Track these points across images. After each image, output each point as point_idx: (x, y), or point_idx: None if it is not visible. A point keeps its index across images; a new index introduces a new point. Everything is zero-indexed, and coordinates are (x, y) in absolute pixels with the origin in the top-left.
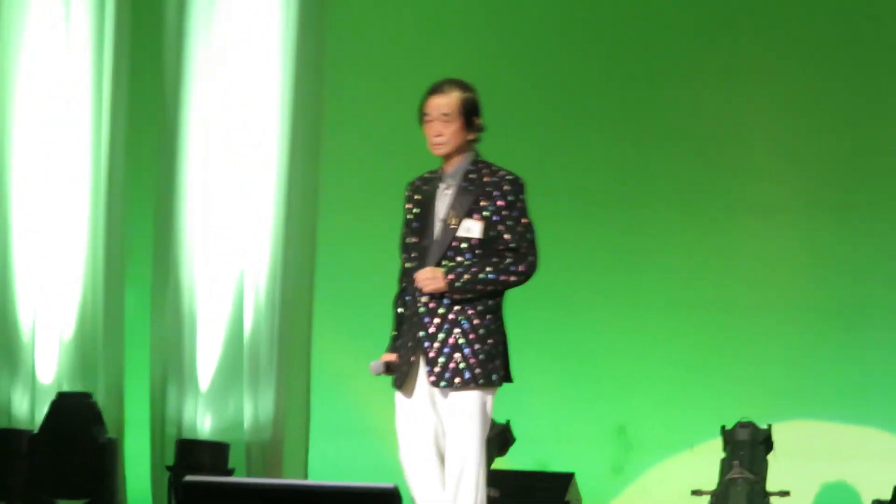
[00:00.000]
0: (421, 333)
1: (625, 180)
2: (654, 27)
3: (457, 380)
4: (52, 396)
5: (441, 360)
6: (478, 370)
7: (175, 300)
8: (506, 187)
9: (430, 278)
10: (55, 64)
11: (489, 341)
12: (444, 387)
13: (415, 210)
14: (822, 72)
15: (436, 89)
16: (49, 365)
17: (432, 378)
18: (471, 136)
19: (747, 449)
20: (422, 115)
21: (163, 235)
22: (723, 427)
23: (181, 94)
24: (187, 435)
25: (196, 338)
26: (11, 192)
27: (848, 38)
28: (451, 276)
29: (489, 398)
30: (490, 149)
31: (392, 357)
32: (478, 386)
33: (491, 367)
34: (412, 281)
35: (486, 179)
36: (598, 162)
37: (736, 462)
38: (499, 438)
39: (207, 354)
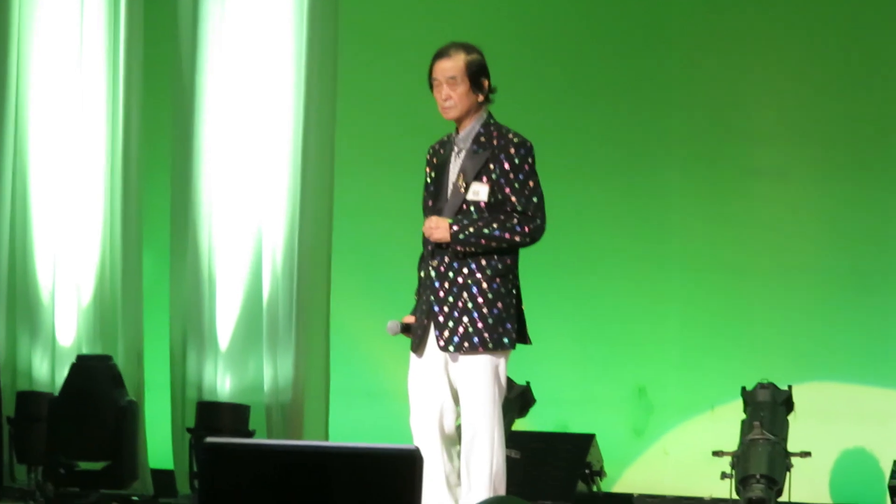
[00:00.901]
0: (431, 297)
1: (642, 147)
2: None
3: (465, 344)
4: (72, 359)
5: (450, 324)
6: (486, 334)
7: (194, 263)
8: (512, 150)
9: (435, 227)
10: (71, 35)
11: (499, 305)
12: (454, 351)
13: (432, 174)
14: (836, 35)
15: (441, 53)
16: (69, 328)
17: (441, 342)
18: (480, 98)
19: (768, 410)
20: (431, 80)
21: (180, 198)
22: (743, 388)
23: (196, 58)
24: (207, 397)
25: (215, 300)
26: (30, 157)
27: (857, 5)
28: (455, 227)
29: (501, 361)
30: (506, 119)
31: (412, 319)
32: (487, 350)
33: (501, 331)
34: (426, 244)
35: (495, 143)
36: (615, 129)
37: (756, 423)
38: (519, 400)
39: (226, 317)
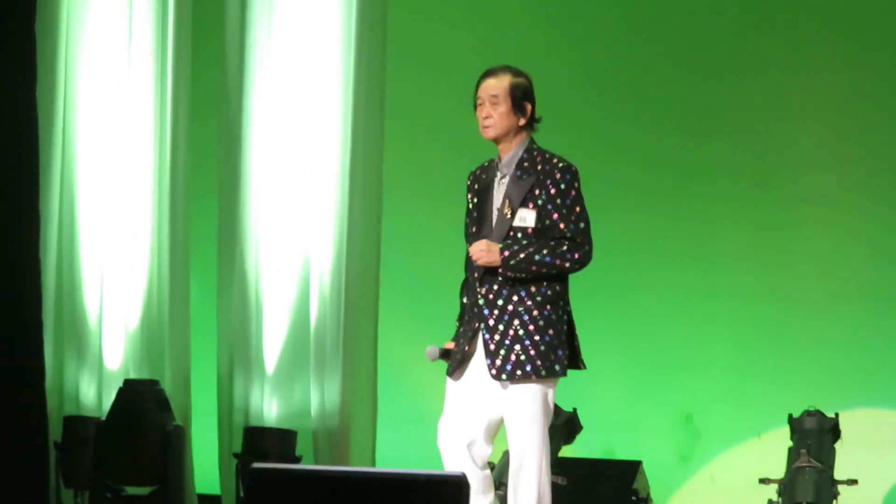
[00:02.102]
0: (480, 325)
1: (690, 174)
2: (710, 21)
3: (518, 372)
4: (119, 384)
5: (502, 352)
6: (538, 362)
7: (241, 288)
8: (558, 175)
9: (486, 251)
10: (119, 52)
11: (550, 332)
12: (506, 380)
13: (474, 199)
14: (879, 61)
15: (489, 73)
16: (116, 352)
17: (493, 371)
18: (521, 122)
19: (815, 437)
20: (475, 100)
21: (227, 223)
22: (790, 415)
23: (244, 84)
24: (254, 422)
25: (262, 325)
26: (78, 182)
27: None
28: (506, 253)
29: (550, 389)
30: (555, 145)
31: (452, 345)
32: (539, 378)
33: (554, 358)
34: (473, 271)
35: (539, 168)
36: (663, 156)
37: (803, 450)
38: (566, 426)
39: (274, 342)
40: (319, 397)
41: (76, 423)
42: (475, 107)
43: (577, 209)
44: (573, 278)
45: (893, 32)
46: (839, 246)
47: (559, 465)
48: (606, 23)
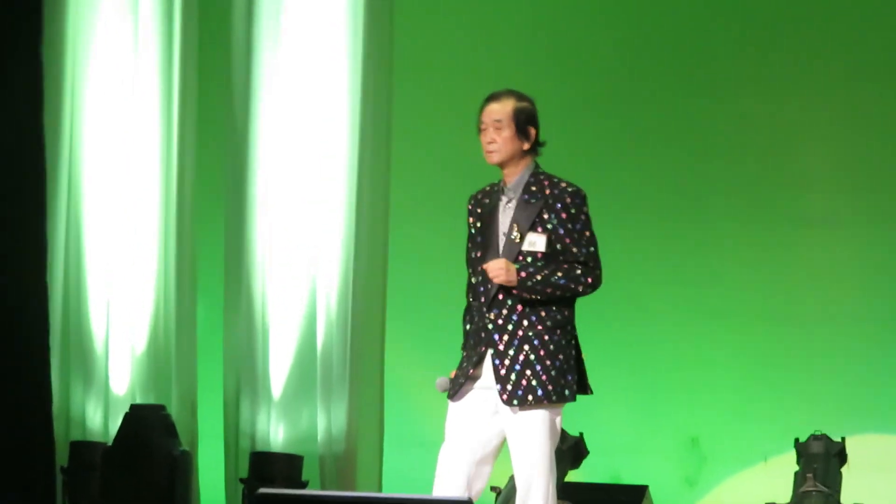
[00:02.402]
0: (488, 350)
1: (693, 194)
2: (714, 41)
3: (529, 397)
4: (125, 408)
5: (513, 377)
6: (550, 387)
7: (247, 312)
8: (568, 199)
9: (504, 269)
10: (124, 76)
11: (560, 357)
12: (517, 405)
13: (477, 224)
14: (880, 82)
15: (492, 97)
16: (122, 377)
17: (504, 396)
18: (525, 147)
19: (821, 462)
20: (478, 124)
21: (234, 247)
22: (796, 440)
23: (250, 106)
24: (261, 447)
25: (269, 350)
26: (84, 206)
27: None
28: (523, 274)
29: (558, 414)
30: (552, 164)
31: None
32: (550, 403)
33: (563, 383)
34: (479, 296)
35: (547, 192)
36: (666, 177)
37: (810, 475)
38: (572, 451)
39: (280, 366)
40: (326, 422)
41: (83, 449)
42: (479, 131)
43: (587, 233)
44: (577, 300)
45: (895, 49)
46: (843, 266)
47: (565, 491)
48: (606, 44)
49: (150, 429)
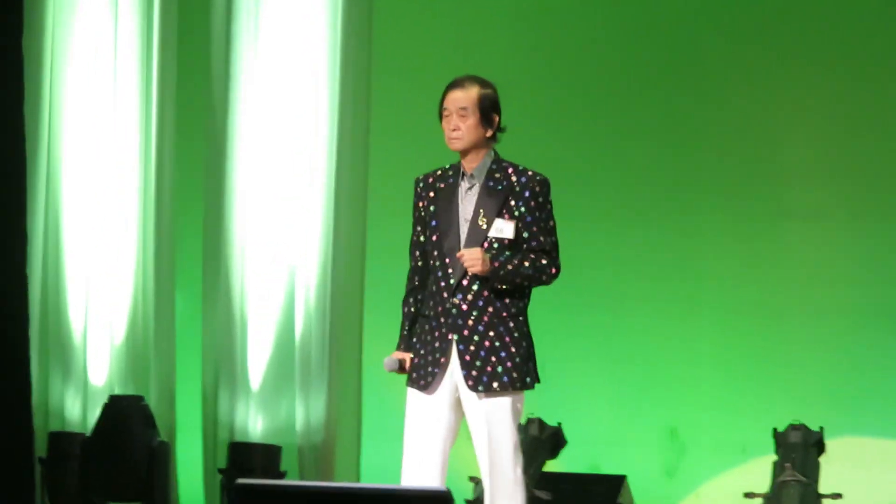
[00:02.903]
0: (455, 336)
1: (674, 187)
2: (696, 34)
3: (495, 384)
4: (104, 399)
5: (478, 363)
6: (515, 374)
7: (226, 303)
8: (537, 188)
9: (478, 259)
10: (103, 69)
11: (523, 344)
12: (482, 391)
13: (430, 208)
14: (867, 75)
15: (455, 84)
16: (101, 368)
17: (470, 382)
18: (489, 134)
19: (799, 451)
20: (441, 110)
21: (212, 238)
22: (774, 429)
23: (229, 99)
24: (239, 438)
25: (247, 341)
26: (63, 198)
27: (892, 41)
28: (496, 264)
29: (521, 400)
30: (535, 157)
31: (405, 356)
32: (515, 390)
33: (526, 370)
34: (439, 280)
35: (513, 179)
36: (647, 170)
37: (788, 465)
38: (550, 441)
39: (259, 357)
40: (304, 413)
41: (61, 439)
42: (441, 117)
43: (551, 223)
44: (553, 291)
45: (882, 44)
46: (825, 260)
47: (544, 480)
48: (591, 36)
49: (128, 419)
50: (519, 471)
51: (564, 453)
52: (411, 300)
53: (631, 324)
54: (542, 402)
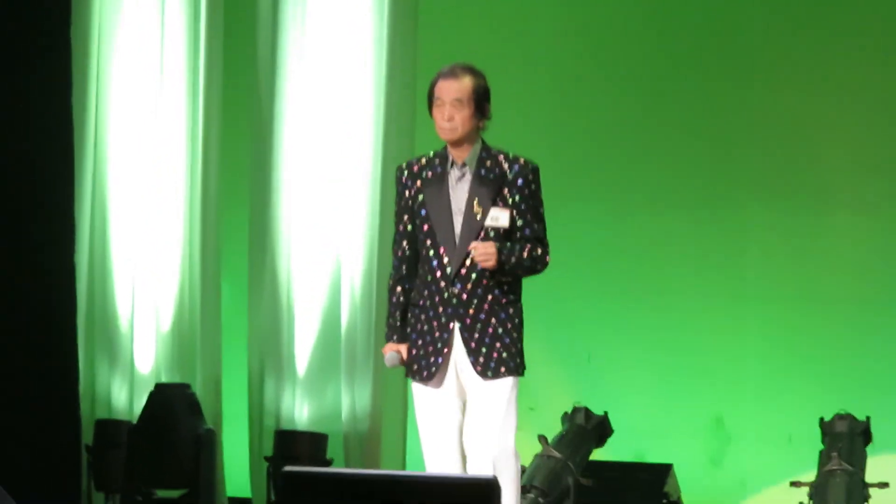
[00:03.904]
0: (457, 324)
1: (720, 179)
2: (741, 26)
3: (502, 369)
4: (150, 387)
5: (483, 349)
6: (518, 359)
7: (272, 292)
8: (530, 176)
9: (492, 254)
10: (150, 60)
11: (521, 330)
12: (491, 377)
13: (419, 197)
14: None
15: (448, 73)
16: (147, 356)
17: (479, 368)
18: (481, 123)
19: (846, 441)
20: (431, 99)
21: (258, 227)
22: (821, 419)
23: (275, 88)
24: (285, 426)
25: (293, 329)
26: (109, 187)
27: None
28: (502, 258)
29: (517, 384)
30: (582, 147)
31: (400, 347)
32: (517, 374)
33: (523, 356)
34: (434, 270)
35: (506, 167)
36: (694, 162)
37: (834, 454)
38: (597, 430)
39: (304, 345)
40: (350, 401)
41: (108, 427)
42: (430, 106)
43: (541, 210)
44: (606, 283)
45: None
46: (870, 252)
47: (590, 469)
48: (635, 28)
49: (174, 407)
50: (515, 446)
51: (611, 442)
52: (399, 290)
53: (677, 315)
54: (588, 391)
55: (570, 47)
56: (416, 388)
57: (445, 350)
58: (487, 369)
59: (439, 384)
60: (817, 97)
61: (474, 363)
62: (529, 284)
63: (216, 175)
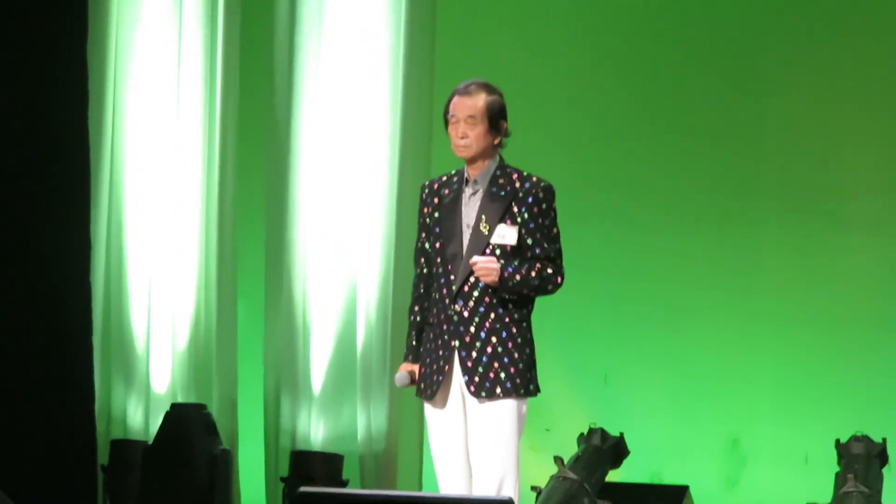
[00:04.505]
0: (456, 342)
1: (735, 199)
2: (757, 43)
3: (498, 390)
4: (166, 407)
5: (480, 369)
6: (518, 380)
7: (288, 311)
8: (541, 194)
9: (493, 270)
10: (166, 77)
11: (527, 350)
12: (485, 397)
13: (435, 214)
14: None
15: (462, 91)
16: (163, 376)
17: (472, 388)
18: (496, 141)
19: (862, 462)
20: (446, 116)
21: (275, 246)
22: (837, 440)
23: (292, 107)
24: (301, 446)
25: (309, 349)
26: (125, 204)
27: None
28: (505, 274)
29: (524, 407)
30: (595, 166)
31: (413, 367)
32: (518, 396)
33: (529, 377)
34: (441, 287)
35: (517, 185)
36: (708, 181)
37: (851, 475)
38: (613, 451)
39: (320, 365)
40: (366, 421)
41: (123, 447)
42: (446, 122)
43: (555, 230)
44: (622, 303)
45: None
46: (886, 271)
47: (606, 490)
48: (652, 45)
49: (190, 427)
50: (517, 475)
51: (627, 463)
52: (416, 308)
53: (693, 335)
54: (604, 413)
55: (588, 61)
56: (426, 407)
57: (446, 368)
58: (482, 389)
59: (443, 403)
60: (835, 115)
61: (468, 382)
62: (545, 304)
63: (232, 194)
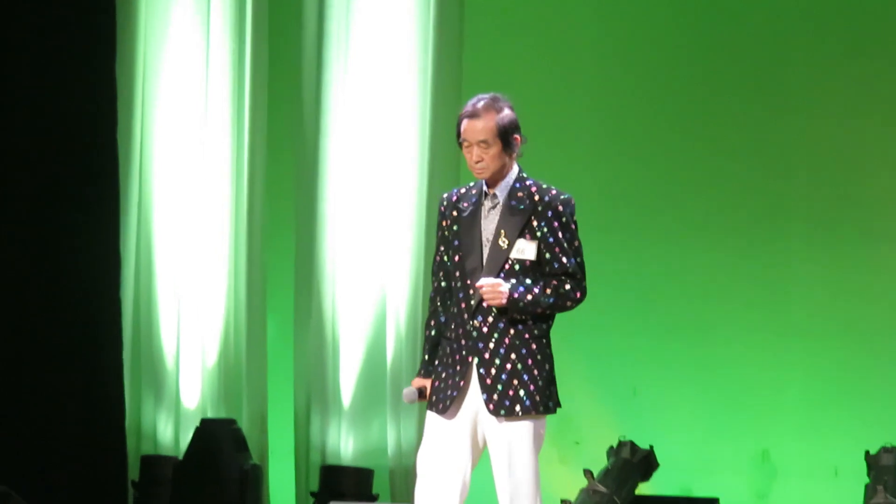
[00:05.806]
0: (475, 359)
1: (762, 213)
2: (785, 59)
3: (517, 408)
4: (196, 423)
5: (499, 387)
6: (537, 397)
7: (317, 326)
8: (560, 207)
9: (500, 294)
10: (195, 92)
11: (546, 367)
12: (504, 415)
13: (454, 227)
14: None
15: (470, 114)
16: (193, 391)
17: (491, 406)
18: (512, 156)
19: (892, 474)
20: (459, 139)
21: (304, 261)
22: (867, 452)
23: (320, 121)
24: (331, 461)
25: (339, 364)
26: (155, 222)
27: None
28: (514, 295)
29: (544, 424)
30: (621, 180)
31: (425, 383)
32: (538, 414)
33: (548, 394)
34: (460, 302)
35: (536, 198)
36: (735, 195)
37: (880, 487)
38: (642, 464)
39: (350, 380)
40: (396, 435)
41: (154, 463)
42: (460, 145)
43: (576, 243)
44: (651, 318)
45: None
46: None
47: (636, 503)
48: (683, 61)
49: (220, 443)
50: (539, 500)
51: (656, 476)
52: (433, 323)
53: (722, 350)
54: (634, 426)
55: (614, 76)
56: (429, 418)
57: (462, 384)
58: (501, 407)
59: (452, 418)
60: (861, 130)
61: (487, 400)
62: (574, 319)
63: (261, 210)
